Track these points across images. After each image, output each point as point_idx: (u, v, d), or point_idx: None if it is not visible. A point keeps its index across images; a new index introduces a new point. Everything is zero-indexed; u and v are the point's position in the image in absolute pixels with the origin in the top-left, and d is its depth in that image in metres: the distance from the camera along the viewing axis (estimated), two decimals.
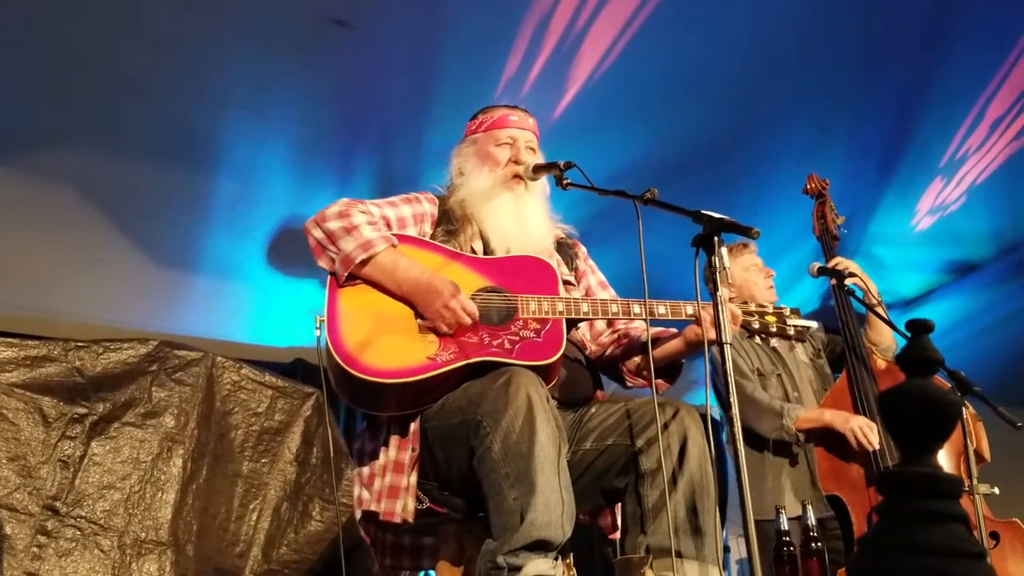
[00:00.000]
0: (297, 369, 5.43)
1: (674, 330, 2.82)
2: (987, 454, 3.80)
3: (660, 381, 2.84)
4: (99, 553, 3.57)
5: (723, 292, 2.21)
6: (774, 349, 4.06)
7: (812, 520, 3.32)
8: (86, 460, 3.68)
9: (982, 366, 5.73)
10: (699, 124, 5.45)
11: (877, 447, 3.60)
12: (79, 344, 3.82)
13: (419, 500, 2.53)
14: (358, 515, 2.63)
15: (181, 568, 3.67)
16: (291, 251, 5.45)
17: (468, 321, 2.57)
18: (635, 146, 5.42)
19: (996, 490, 3.47)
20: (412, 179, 5.01)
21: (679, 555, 2.42)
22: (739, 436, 2.12)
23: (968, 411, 3.49)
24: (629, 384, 2.93)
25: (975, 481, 3.33)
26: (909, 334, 1.40)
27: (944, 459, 3.68)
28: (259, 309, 5.66)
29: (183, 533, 3.74)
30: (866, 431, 3.61)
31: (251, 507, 3.96)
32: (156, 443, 3.80)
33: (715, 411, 5.83)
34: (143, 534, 3.67)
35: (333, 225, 2.63)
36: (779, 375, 4.01)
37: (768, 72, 5.32)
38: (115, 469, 3.71)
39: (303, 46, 4.70)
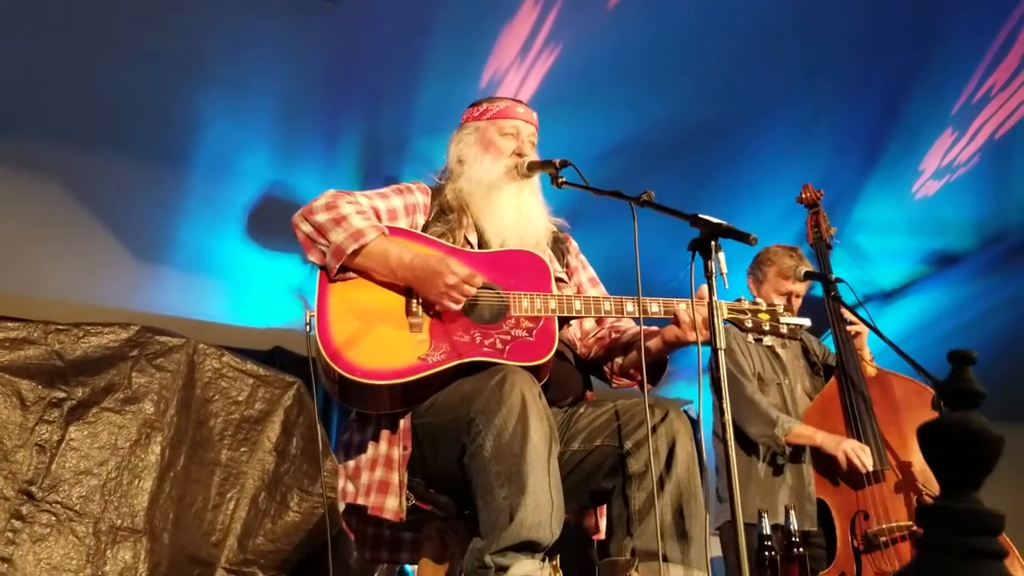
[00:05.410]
0: (275, 358, 5.35)
1: (655, 328, 2.79)
2: None
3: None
4: (74, 539, 3.52)
5: (715, 296, 2.18)
6: (778, 357, 4.01)
7: (795, 526, 3.29)
8: (63, 445, 3.62)
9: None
10: (690, 104, 5.35)
11: (871, 468, 3.55)
12: (59, 327, 3.75)
13: (406, 497, 2.51)
14: (341, 507, 2.60)
15: (156, 556, 3.63)
16: (272, 223, 5.39)
17: (473, 291, 2.52)
18: (621, 123, 5.28)
19: None
20: (400, 146, 4.94)
21: (665, 559, 2.41)
22: (731, 439, 2.10)
23: None
24: (614, 384, 2.90)
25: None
26: (950, 364, 1.37)
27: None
28: (239, 287, 5.60)
29: (159, 521, 3.70)
30: (858, 452, 3.56)
31: (228, 496, 3.92)
32: (134, 429, 3.74)
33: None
34: (119, 521, 3.62)
35: (321, 217, 2.58)
36: (779, 384, 3.95)
37: (765, 52, 5.22)
38: (92, 455, 3.66)
39: (289, 17, 4.62)
